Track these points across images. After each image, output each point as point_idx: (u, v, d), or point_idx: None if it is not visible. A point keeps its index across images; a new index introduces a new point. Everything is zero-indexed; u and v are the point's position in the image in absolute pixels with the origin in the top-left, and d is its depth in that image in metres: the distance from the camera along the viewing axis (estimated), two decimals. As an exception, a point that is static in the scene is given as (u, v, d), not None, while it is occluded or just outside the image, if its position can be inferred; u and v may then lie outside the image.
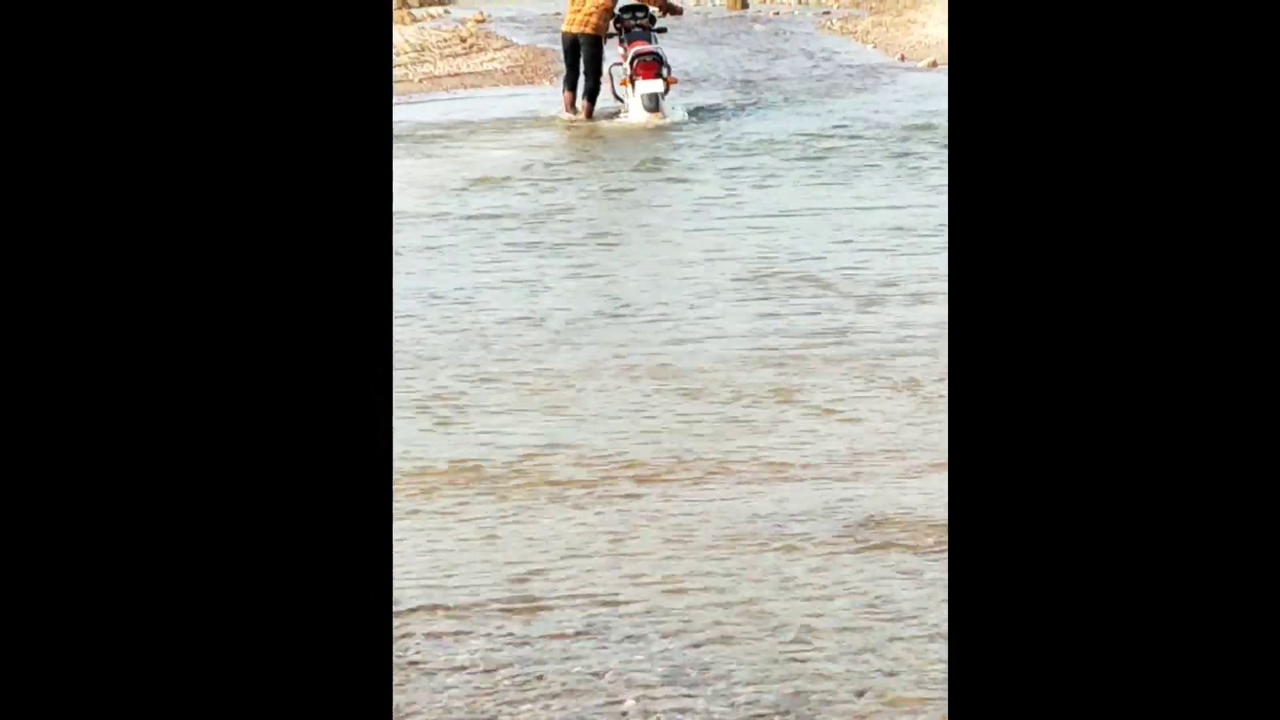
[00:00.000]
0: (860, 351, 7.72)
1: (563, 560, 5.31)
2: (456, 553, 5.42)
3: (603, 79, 17.14)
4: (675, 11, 17.81)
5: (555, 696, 4.39)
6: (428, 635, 4.78)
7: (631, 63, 16.69)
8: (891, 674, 4.44)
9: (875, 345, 7.82)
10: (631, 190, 12.83)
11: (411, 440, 6.50)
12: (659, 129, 16.20)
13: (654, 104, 16.50)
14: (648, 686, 4.42)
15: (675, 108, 17.02)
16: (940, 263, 8.93)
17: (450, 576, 5.20)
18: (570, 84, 17.16)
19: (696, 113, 17.03)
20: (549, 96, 18.51)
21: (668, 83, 16.69)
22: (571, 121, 16.89)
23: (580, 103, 17.06)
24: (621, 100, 17.06)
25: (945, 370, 2.62)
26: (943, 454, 5.54)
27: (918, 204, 11.47)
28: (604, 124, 16.80)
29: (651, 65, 16.58)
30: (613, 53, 17.21)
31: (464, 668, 4.57)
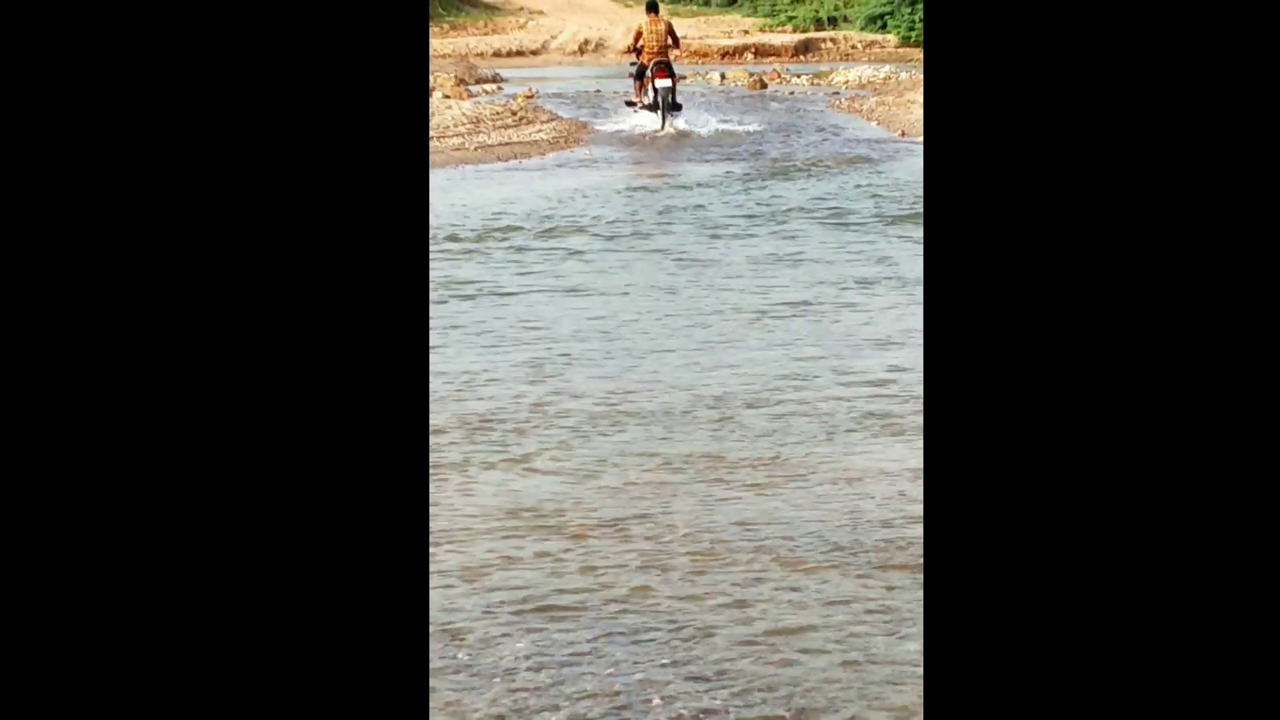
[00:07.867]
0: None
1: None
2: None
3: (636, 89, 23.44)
4: (675, 45, 23.42)
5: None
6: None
7: (650, 70, 22.81)
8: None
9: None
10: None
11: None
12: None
13: (668, 95, 22.60)
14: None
15: (703, 122, 22.70)
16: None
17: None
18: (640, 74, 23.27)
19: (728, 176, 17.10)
20: (584, 155, 19.02)
21: (674, 80, 22.79)
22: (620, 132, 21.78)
23: (635, 84, 23.35)
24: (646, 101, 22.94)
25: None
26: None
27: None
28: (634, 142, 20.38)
29: (663, 70, 22.71)
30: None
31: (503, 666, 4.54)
